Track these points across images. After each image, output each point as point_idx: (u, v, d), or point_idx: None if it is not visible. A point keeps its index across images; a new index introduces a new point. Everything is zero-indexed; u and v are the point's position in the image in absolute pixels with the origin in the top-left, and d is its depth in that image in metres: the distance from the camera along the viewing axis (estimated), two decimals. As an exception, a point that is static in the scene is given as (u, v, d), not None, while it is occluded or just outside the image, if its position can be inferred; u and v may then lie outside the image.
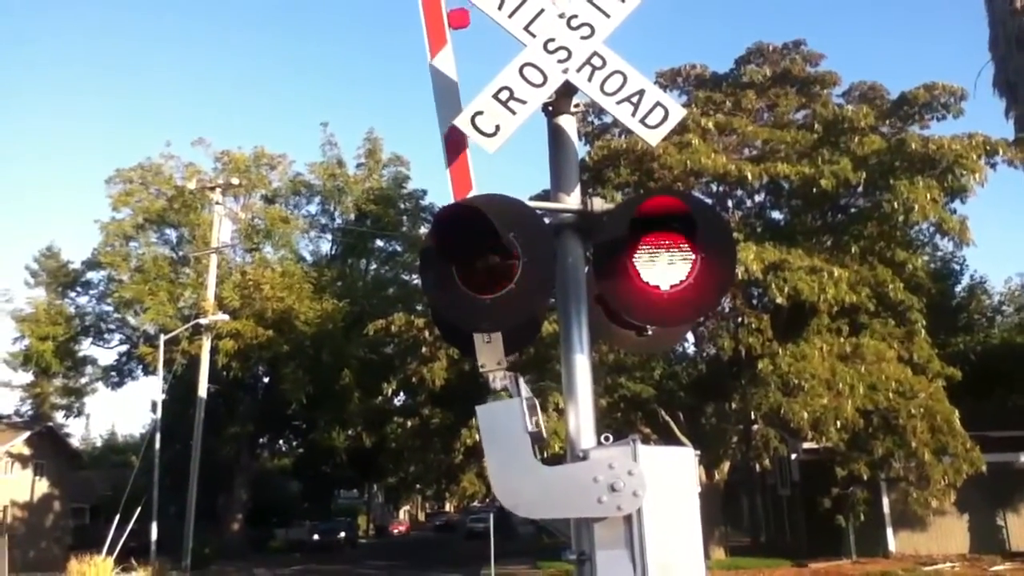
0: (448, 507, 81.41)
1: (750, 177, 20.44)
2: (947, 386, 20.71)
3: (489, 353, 3.19)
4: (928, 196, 18.90)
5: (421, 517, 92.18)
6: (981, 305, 39.55)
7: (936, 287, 27.89)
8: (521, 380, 3.10)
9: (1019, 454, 23.98)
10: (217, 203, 34.57)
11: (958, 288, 37.72)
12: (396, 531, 67.31)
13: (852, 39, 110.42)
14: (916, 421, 19.03)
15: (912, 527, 23.52)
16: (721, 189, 22.89)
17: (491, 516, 25.00)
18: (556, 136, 3.40)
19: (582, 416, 3.02)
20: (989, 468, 19.95)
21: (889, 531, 23.75)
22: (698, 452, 3.09)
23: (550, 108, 3.39)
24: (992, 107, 24.27)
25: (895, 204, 19.09)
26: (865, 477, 20.25)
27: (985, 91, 24.82)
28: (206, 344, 32.94)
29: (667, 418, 22.92)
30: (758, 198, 24.09)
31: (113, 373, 43.55)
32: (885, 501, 23.39)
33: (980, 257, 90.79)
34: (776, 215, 24.57)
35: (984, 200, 51.45)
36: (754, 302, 21.50)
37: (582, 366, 3.07)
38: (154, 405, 31.86)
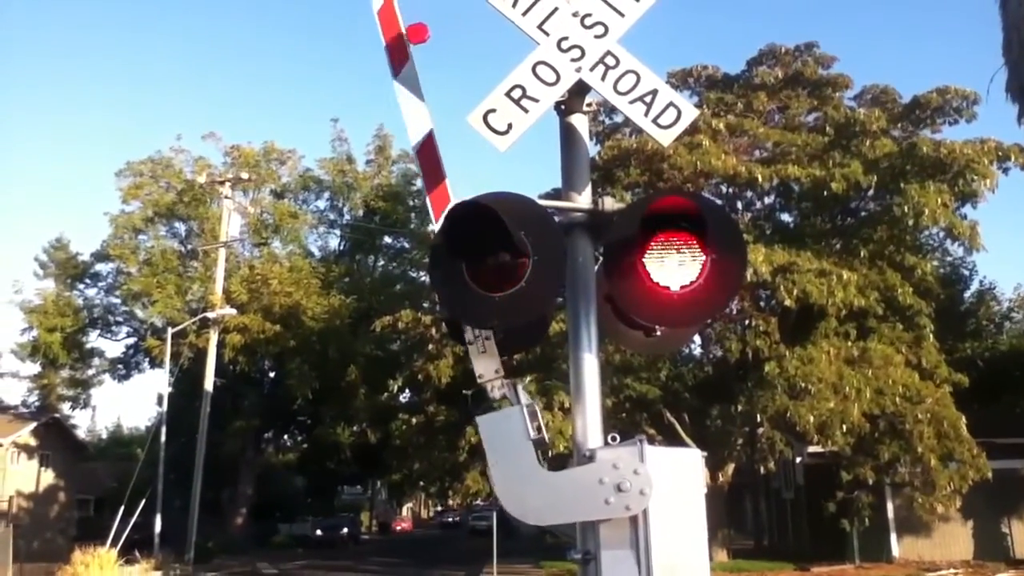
0: (452, 504, 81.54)
1: (760, 179, 20.39)
2: (954, 392, 20.62)
3: (485, 363, 3.17)
4: (939, 200, 18.84)
5: (424, 514, 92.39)
6: (990, 311, 39.37)
7: (945, 292, 27.80)
8: (519, 387, 3.08)
9: (1026, 461, 23.89)
10: (226, 197, 34.68)
11: (967, 294, 37.57)
12: (399, 528, 67.40)
13: (865, 42, 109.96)
14: (923, 426, 18.98)
15: (916, 532, 23.44)
16: (731, 191, 22.84)
17: (494, 515, 25.00)
18: (568, 135, 3.39)
19: (589, 416, 3.01)
20: (995, 475, 19.88)
21: (893, 536, 23.68)
22: (704, 454, 3.08)
23: (562, 107, 3.37)
24: (1005, 112, 24.11)
25: (905, 208, 19.02)
26: (870, 481, 20.20)
27: (998, 96, 24.74)
28: (213, 338, 33.03)
29: (672, 419, 22.88)
30: (768, 200, 24.03)
31: (120, 365, 43.76)
32: (889, 506, 23.32)
33: (990, 263, 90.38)
34: (786, 217, 24.53)
35: (995, 205, 51.27)
36: (762, 304, 21.45)
37: (590, 366, 3.06)
38: (160, 398, 32.03)
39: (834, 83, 24.69)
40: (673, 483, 2.77)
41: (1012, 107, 24.39)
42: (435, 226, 3.37)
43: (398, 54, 3.53)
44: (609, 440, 2.87)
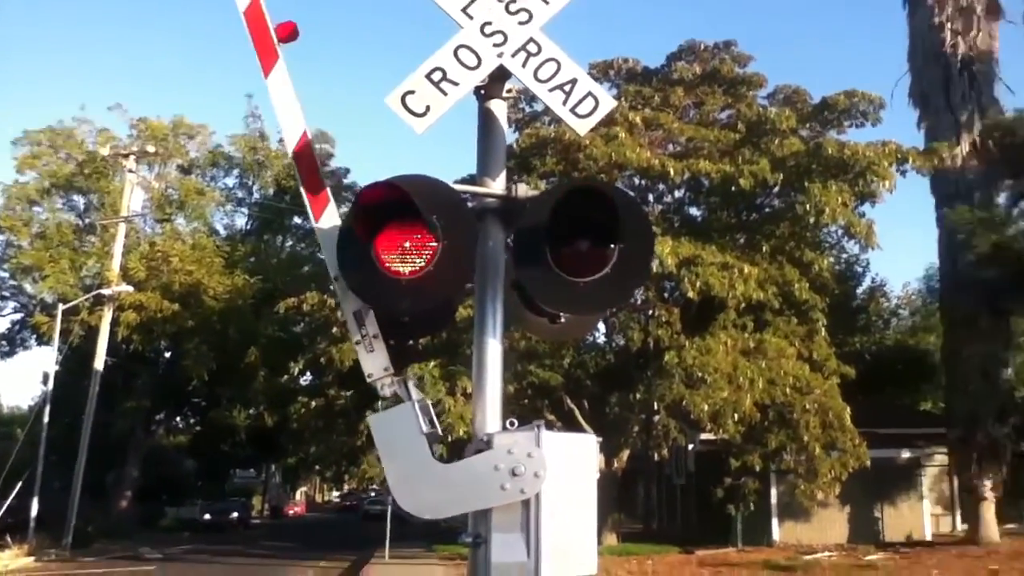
0: (356, 487, 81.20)
1: (672, 173, 20.71)
2: (841, 384, 21.57)
3: (374, 361, 3.10)
4: (839, 200, 19.55)
5: (319, 499, 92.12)
6: (879, 307, 41.37)
7: (839, 288, 29.01)
8: (410, 383, 3.05)
9: (902, 450, 25.40)
10: (130, 171, 33.46)
11: (859, 290, 39.15)
12: (292, 512, 66.66)
13: (781, 42, 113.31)
14: (810, 416, 19.84)
15: (796, 517, 24.57)
16: (644, 183, 23.12)
17: (389, 498, 24.86)
18: (486, 120, 3.38)
19: (489, 402, 3.02)
20: (873, 463, 21.02)
21: (775, 521, 24.76)
22: (600, 440, 3.14)
23: (482, 92, 3.36)
24: (907, 116, 25.48)
25: (807, 206, 19.70)
26: (757, 468, 21.01)
27: (902, 100, 26.03)
28: (107, 315, 31.75)
29: (572, 406, 23.25)
30: (678, 194, 24.40)
31: (3, 342, 41.61)
32: (773, 492, 24.36)
33: (882, 261, 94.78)
34: (694, 211, 25.01)
35: (889, 205, 53.88)
36: (666, 295, 21.92)
37: (493, 352, 3.07)
38: (46, 377, 30.57)
39: (749, 81, 25.27)
40: (567, 468, 2.80)
41: (913, 112, 25.35)
42: (315, 224, 3.29)
43: (267, 54, 3.44)
44: (507, 426, 2.89)
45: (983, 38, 25.09)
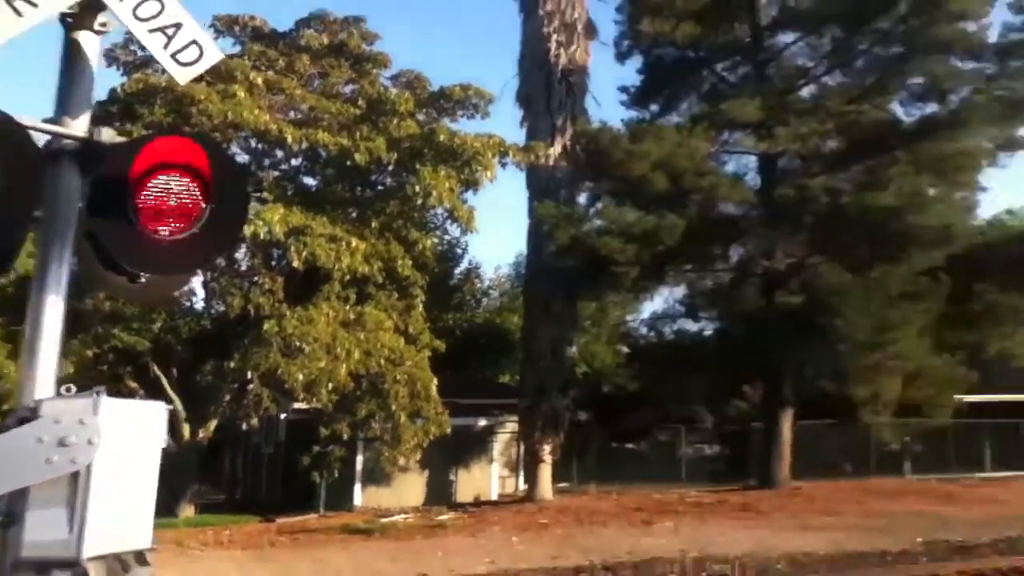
0: None
1: (290, 140, 20.46)
2: (432, 357, 23.02)
3: None
4: (447, 185, 20.74)
5: None
6: (473, 288, 45.17)
7: (439, 267, 30.81)
8: None
9: (479, 419, 28.07)
10: None
11: (457, 270, 42.30)
12: None
13: (410, 28, 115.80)
14: (399, 386, 20.95)
15: (378, 483, 25.89)
16: (260, 147, 22.53)
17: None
18: (72, 52, 3.00)
19: (41, 366, 2.71)
20: (453, 430, 22.89)
21: (357, 487, 25.84)
22: (171, 407, 2.99)
23: (69, 20, 2.98)
24: (515, 115, 28.04)
25: (417, 188, 20.63)
26: (346, 437, 21.70)
27: (511, 99, 28.52)
28: None
29: (159, 373, 21.97)
30: (295, 162, 24.17)
31: None
32: (359, 459, 25.38)
33: (479, 245, 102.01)
34: (310, 181, 24.88)
35: (490, 194, 58.76)
36: (272, 263, 21.59)
37: (53, 309, 2.76)
38: None
39: (374, 60, 25.87)
40: (128, 437, 2.62)
41: (519, 111, 28.05)
42: None
43: None
44: (63, 392, 2.63)
45: (580, 53, 28.37)
